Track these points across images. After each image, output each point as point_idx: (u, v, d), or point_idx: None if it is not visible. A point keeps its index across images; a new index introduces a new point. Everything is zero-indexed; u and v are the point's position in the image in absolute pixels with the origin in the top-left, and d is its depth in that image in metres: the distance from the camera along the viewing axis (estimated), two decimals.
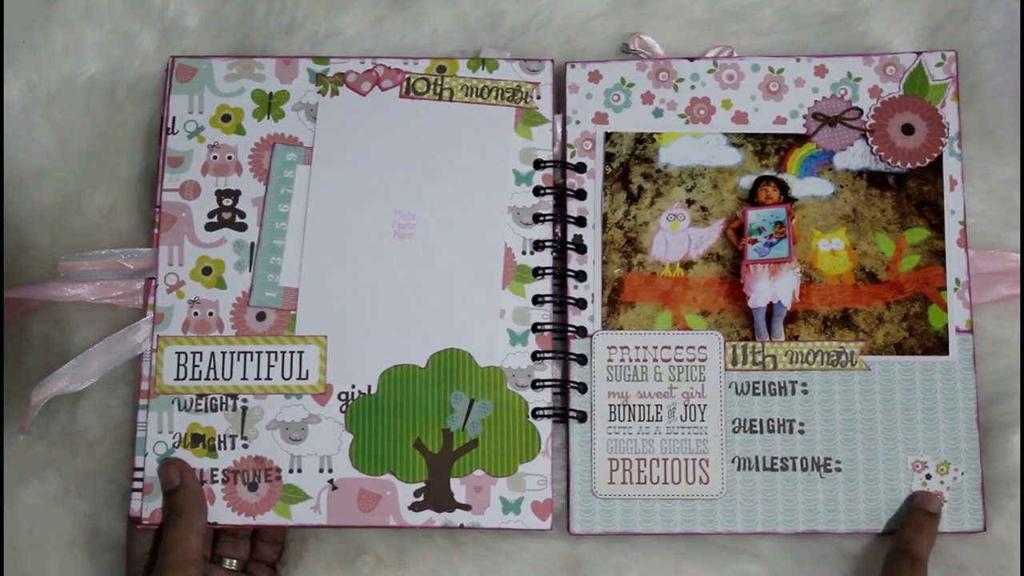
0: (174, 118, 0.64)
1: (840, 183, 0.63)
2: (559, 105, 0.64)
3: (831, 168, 0.63)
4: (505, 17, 0.67)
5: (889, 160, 0.62)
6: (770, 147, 0.63)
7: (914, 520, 0.58)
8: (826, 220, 0.62)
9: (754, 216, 0.62)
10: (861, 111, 0.63)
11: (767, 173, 0.63)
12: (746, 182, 0.63)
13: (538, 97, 0.64)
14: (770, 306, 0.62)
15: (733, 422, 0.61)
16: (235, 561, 0.61)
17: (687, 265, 0.62)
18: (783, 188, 0.63)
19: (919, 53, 0.63)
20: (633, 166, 0.63)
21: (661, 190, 0.63)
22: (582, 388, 0.61)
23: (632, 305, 0.62)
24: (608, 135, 0.64)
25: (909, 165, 0.62)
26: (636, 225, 0.63)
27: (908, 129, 0.63)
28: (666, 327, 0.62)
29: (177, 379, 0.61)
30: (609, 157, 0.63)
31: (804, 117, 0.63)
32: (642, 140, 0.64)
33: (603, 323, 0.62)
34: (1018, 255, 0.62)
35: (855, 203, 0.62)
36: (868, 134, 0.63)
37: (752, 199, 0.63)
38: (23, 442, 0.63)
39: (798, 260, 0.62)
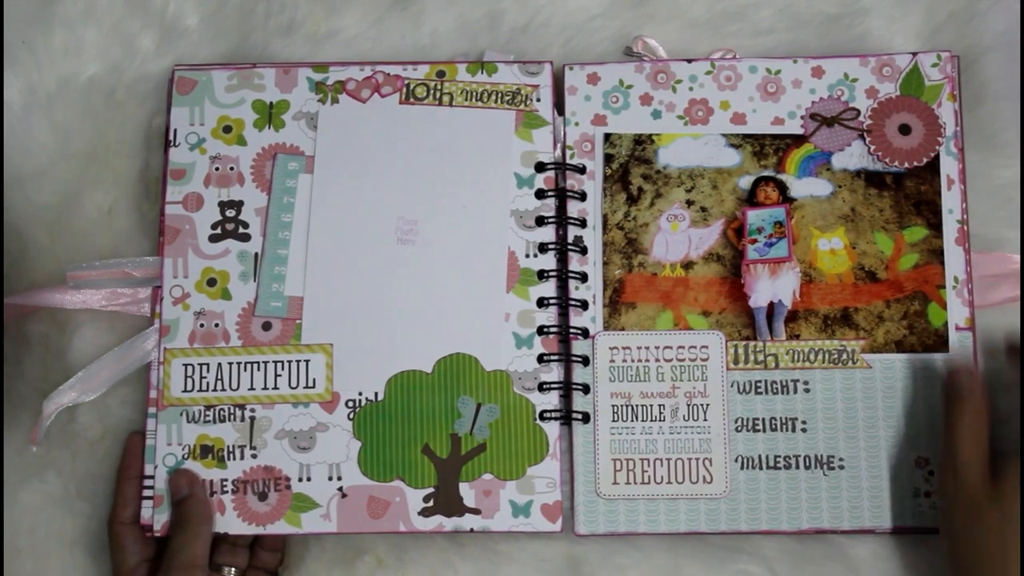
0: (175, 131, 0.64)
1: (838, 183, 0.63)
2: (560, 107, 0.64)
3: (829, 168, 0.63)
4: (505, 17, 0.67)
5: (887, 160, 0.63)
6: (768, 148, 0.63)
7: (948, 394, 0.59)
8: (825, 220, 0.63)
9: (753, 216, 0.63)
10: (858, 111, 0.63)
11: (766, 173, 0.63)
12: (745, 183, 0.63)
13: (538, 100, 0.64)
14: (771, 305, 0.62)
15: (736, 421, 0.61)
16: (233, 570, 0.61)
17: (687, 265, 0.63)
18: (782, 188, 0.63)
19: (915, 54, 0.64)
20: (633, 167, 0.64)
21: (661, 191, 0.64)
22: (585, 389, 0.62)
23: (633, 306, 0.63)
24: (607, 136, 0.64)
25: (907, 165, 0.63)
26: (636, 226, 0.63)
27: (905, 129, 0.63)
28: (667, 327, 0.62)
29: (185, 391, 0.61)
30: (608, 158, 0.64)
31: (802, 118, 0.63)
32: (641, 141, 0.64)
33: (605, 324, 0.62)
34: (1019, 256, 0.63)
35: (854, 203, 0.63)
36: (865, 134, 0.63)
37: (751, 199, 0.63)
38: (23, 443, 0.63)
39: (798, 260, 0.62)
